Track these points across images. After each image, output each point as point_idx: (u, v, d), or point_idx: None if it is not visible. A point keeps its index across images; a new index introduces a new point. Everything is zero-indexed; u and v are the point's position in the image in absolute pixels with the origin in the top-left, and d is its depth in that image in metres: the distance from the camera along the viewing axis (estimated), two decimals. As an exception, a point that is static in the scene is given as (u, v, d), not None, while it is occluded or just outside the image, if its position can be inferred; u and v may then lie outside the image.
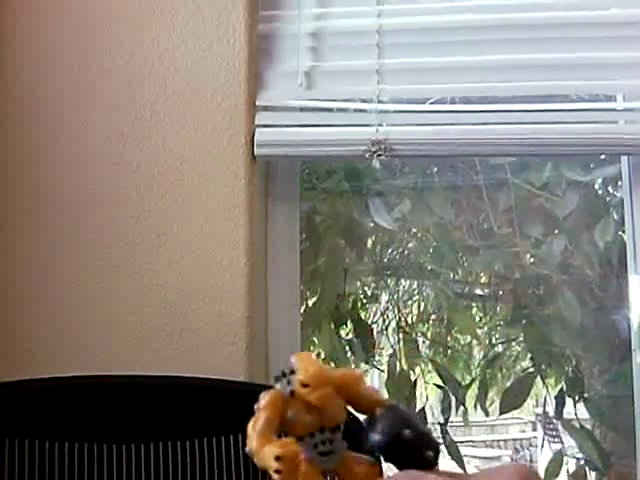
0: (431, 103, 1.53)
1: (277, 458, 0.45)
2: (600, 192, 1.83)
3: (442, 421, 1.73)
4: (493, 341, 1.90)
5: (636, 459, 1.51)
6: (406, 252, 1.91)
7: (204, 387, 1.13)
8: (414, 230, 1.87)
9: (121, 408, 1.07)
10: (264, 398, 0.47)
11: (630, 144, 1.42)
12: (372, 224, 1.82)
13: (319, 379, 0.47)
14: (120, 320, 1.42)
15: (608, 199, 1.83)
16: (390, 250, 1.88)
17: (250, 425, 0.47)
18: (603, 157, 1.72)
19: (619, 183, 1.66)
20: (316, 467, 0.46)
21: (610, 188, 1.81)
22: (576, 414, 1.80)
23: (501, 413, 1.78)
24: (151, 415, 1.08)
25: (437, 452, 0.48)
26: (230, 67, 1.45)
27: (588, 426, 1.78)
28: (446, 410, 1.75)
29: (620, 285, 1.67)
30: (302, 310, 1.67)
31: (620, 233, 1.70)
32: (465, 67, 1.47)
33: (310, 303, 1.81)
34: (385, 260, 1.89)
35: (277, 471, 0.45)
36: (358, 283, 1.89)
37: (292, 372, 0.48)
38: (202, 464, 1.06)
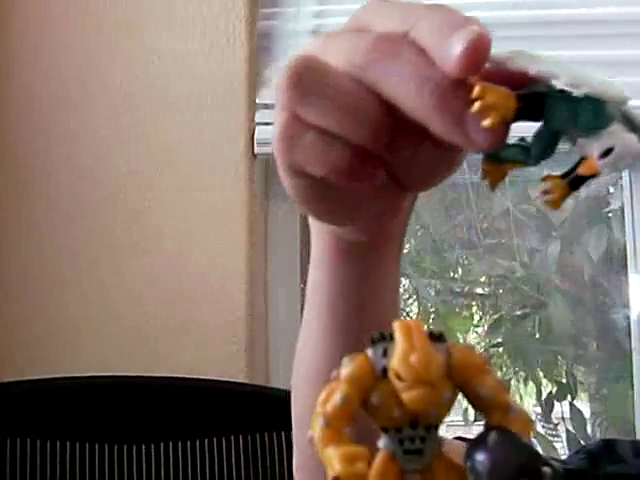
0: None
1: (336, 479, 0.34)
2: (600, 194, 1.83)
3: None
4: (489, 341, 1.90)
5: (636, 459, 1.51)
6: (405, 252, 1.90)
7: (204, 388, 1.12)
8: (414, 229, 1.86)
9: (121, 408, 1.07)
10: (348, 365, 0.36)
11: (630, 143, 1.42)
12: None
13: (419, 376, 0.35)
14: (120, 320, 1.42)
15: (608, 201, 1.83)
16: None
17: (321, 399, 0.36)
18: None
19: (619, 184, 1.66)
20: (396, 464, 0.36)
21: (610, 189, 1.81)
22: (570, 417, 1.80)
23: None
24: (151, 415, 1.07)
25: None
26: (230, 65, 1.45)
27: (588, 426, 1.78)
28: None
29: (620, 285, 1.67)
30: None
31: (620, 233, 1.70)
32: (465, 65, 1.47)
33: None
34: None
35: None
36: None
37: (392, 339, 0.36)
38: (202, 464, 1.05)
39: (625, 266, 1.56)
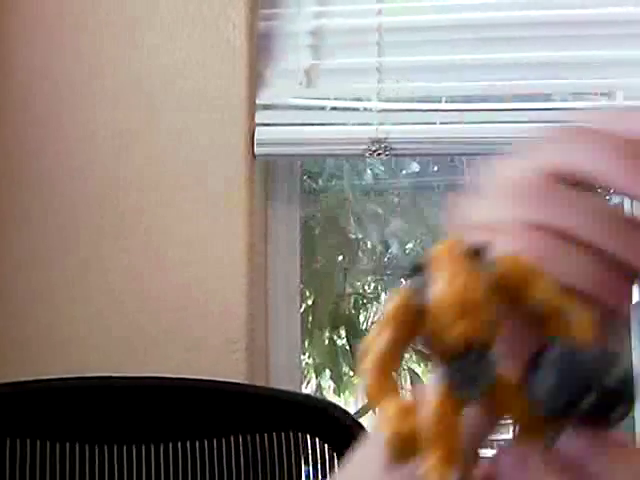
0: (431, 102, 1.53)
1: (393, 435, 0.32)
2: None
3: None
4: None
5: (636, 459, 1.51)
6: (405, 252, 1.90)
7: (204, 388, 1.12)
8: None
9: (120, 409, 1.07)
10: (390, 303, 0.33)
11: (630, 143, 1.42)
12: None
13: (459, 311, 0.31)
14: (119, 320, 1.42)
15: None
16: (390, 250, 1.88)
17: (364, 347, 0.33)
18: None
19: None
20: (454, 399, 0.32)
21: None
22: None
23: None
24: (151, 416, 1.07)
25: (627, 407, 0.33)
26: (230, 65, 1.45)
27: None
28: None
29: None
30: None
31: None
32: (465, 65, 1.47)
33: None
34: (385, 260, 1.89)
35: (391, 447, 0.32)
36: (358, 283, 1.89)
37: (430, 266, 0.33)
38: (202, 465, 1.05)
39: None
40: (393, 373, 0.33)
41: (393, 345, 0.33)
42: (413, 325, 0.33)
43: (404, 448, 0.32)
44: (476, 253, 0.33)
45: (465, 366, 0.33)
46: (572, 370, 0.32)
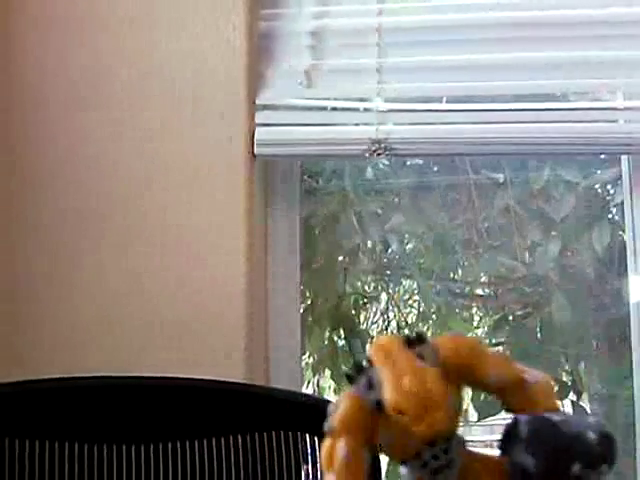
0: (431, 102, 1.53)
1: None
2: (599, 192, 1.83)
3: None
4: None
5: (635, 459, 1.51)
6: (405, 252, 1.90)
7: (204, 388, 1.12)
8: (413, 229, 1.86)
9: (121, 408, 1.06)
10: (339, 410, 0.32)
11: (630, 143, 1.42)
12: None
13: (422, 403, 0.30)
14: (120, 320, 1.42)
15: (608, 200, 1.83)
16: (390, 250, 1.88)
17: (324, 457, 0.32)
18: (603, 157, 1.72)
19: (618, 183, 1.66)
20: None
21: (609, 188, 1.80)
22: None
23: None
24: (151, 416, 1.07)
25: (609, 466, 0.34)
26: (230, 65, 1.45)
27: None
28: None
29: (620, 285, 1.66)
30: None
31: (620, 233, 1.70)
32: (465, 66, 1.47)
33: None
34: (385, 260, 1.89)
35: None
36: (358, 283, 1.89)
37: (370, 363, 0.33)
38: (202, 465, 1.05)
39: (625, 266, 1.55)
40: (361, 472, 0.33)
41: (354, 457, 0.33)
42: (369, 427, 0.33)
43: None
44: (414, 341, 0.32)
45: (435, 456, 0.32)
46: (551, 444, 0.31)
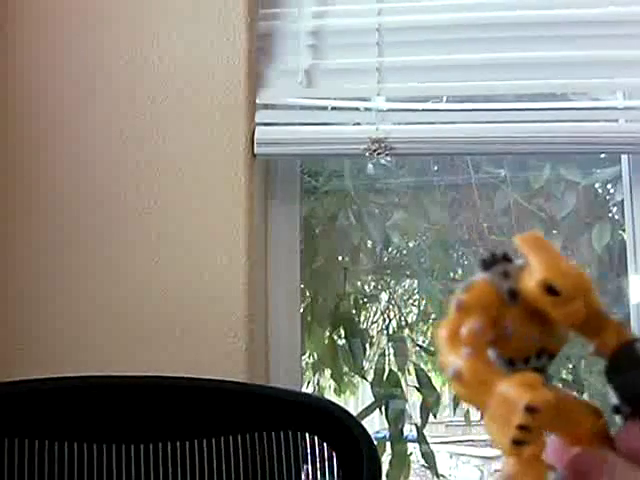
0: (431, 101, 1.53)
1: (530, 409, 0.29)
2: (600, 192, 1.83)
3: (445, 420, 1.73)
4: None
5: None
6: (405, 252, 1.90)
7: (204, 387, 1.12)
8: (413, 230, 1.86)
9: (121, 408, 1.06)
10: (470, 292, 0.31)
11: (630, 142, 1.42)
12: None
13: (576, 285, 0.29)
14: (120, 320, 1.42)
15: (608, 200, 1.83)
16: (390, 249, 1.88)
17: (446, 332, 0.30)
18: (603, 156, 1.72)
19: (618, 182, 1.66)
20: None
21: (609, 188, 1.80)
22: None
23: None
24: (151, 415, 1.07)
25: None
26: (230, 65, 1.45)
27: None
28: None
29: (620, 284, 1.66)
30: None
31: (620, 232, 1.70)
32: (465, 65, 1.47)
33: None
34: (385, 259, 1.89)
35: (523, 427, 0.29)
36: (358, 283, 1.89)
37: (507, 259, 0.32)
38: (201, 464, 1.05)
39: (625, 265, 1.55)
40: (488, 354, 0.31)
41: (484, 334, 0.31)
42: (497, 313, 0.31)
43: (542, 423, 0.30)
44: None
45: (537, 369, 0.31)
46: None
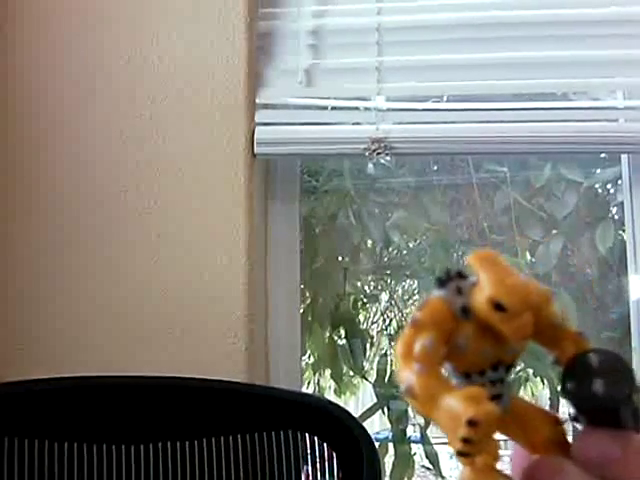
0: (431, 101, 1.53)
1: (471, 422, 0.30)
2: (600, 192, 1.83)
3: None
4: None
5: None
6: (405, 252, 1.90)
7: (204, 387, 1.12)
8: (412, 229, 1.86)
9: (121, 408, 1.06)
10: (424, 310, 0.32)
11: (630, 142, 1.42)
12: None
13: (522, 301, 0.31)
14: (120, 320, 1.42)
15: (608, 199, 1.82)
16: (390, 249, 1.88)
17: (401, 348, 0.32)
18: (603, 156, 1.72)
19: (619, 182, 1.66)
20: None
21: (610, 188, 1.80)
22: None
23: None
24: (151, 415, 1.07)
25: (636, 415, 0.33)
26: (230, 65, 1.45)
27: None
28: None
29: (621, 284, 1.66)
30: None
31: (620, 232, 1.69)
32: (465, 65, 1.47)
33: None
34: (385, 259, 1.89)
35: (466, 440, 0.30)
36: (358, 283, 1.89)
37: (460, 276, 0.32)
38: (201, 465, 1.05)
39: (626, 265, 1.55)
40: (441, 369, 0.33)
41: (436, 350, 0.32)
42: (451, 328, 0.32)
43: (481, 435, 0.31)
44: None
45: (494, 381, 0.33)
46: (619, 370, 0.32)
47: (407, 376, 0.32)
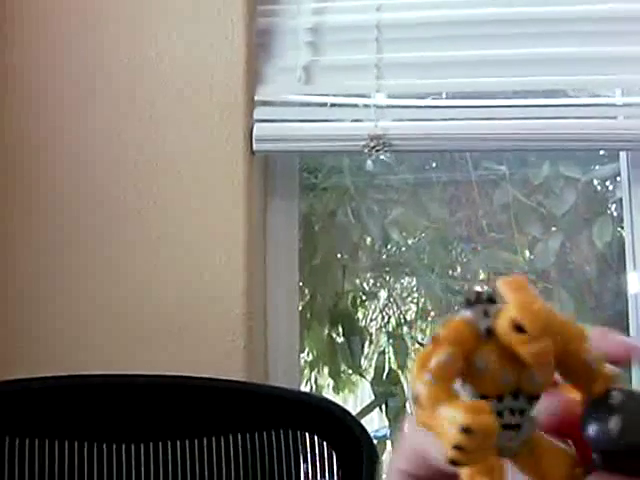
0: (430, 98, 1.53)
1: (465, 430, 0.30)
2: (598, 189, 1.83)
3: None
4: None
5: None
6: (404, 249, 1.90)
7: (203, 386, 1.12)
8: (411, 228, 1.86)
9: (120, 407, 1.06)
10: (446, 327, 0.32)
11: (629, 139, 1.42)
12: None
13: (545, 326, 0.31)
14: (119, 319, 1.42)
15: (606, 196, 1.83)
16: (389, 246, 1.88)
17: (419, 362, 0.32)
18: (602, 153, 1.72)
19: (617, 179, 1.66)
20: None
21: (608, 185, 1.80)
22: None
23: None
24: (150, 414, 1.07)
25: None
26: (228, 62, 1.45)
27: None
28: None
29: (619, 281, 1.67)
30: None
31: (619, 229, 1.70)
32: (464, 62, 1.47)
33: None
34: (384, 257, 1.89)
35: (458, 447, 0.30)
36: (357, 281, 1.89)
37: (490, 299, 0.32)
38: (201, 464, 1.05)
39: (624, 262, 1.56)
40: (453, 386, 0.32)
41: (451, 365, 0.32)
42: (472, 349, 0.32)
43: (475, 446, 0.30)
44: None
45: (513, 410, 0.32)
46: (637, 414, 0.32)
47: (417, 386, 0.32)
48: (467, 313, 0.33)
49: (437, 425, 0.31)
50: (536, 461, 0.33)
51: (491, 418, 0.30)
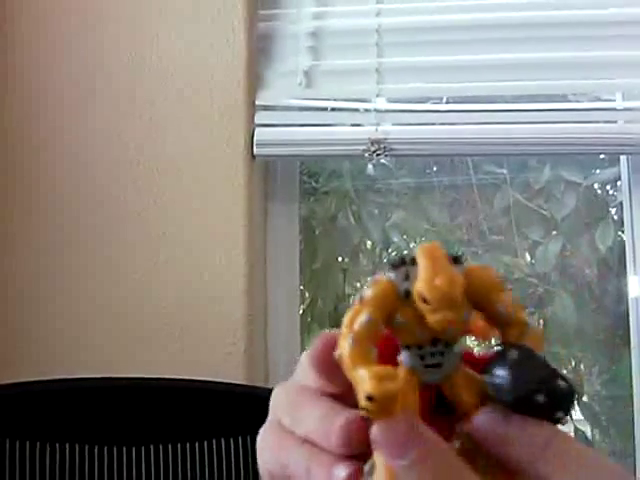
0: (430, 102, 1.53)
1: (368, 398, 0.34)
2: (599, 192, 1.83)
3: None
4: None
5: (636, 459, 1.51)
6: (405, 252, 1.90)
7: (203, 389, 1.12)
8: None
9: (121, 410, 1.06)
10: (372, 288, 0.36)
11: (629, 144, 1.42)
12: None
13: (444, 299, 0.35)
14: (120, 320, 1.42)
15: (607, 200, 1.82)
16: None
17: (347, 319, 0.36)
18: (602, 157, 1.72)
19: (618, 183, 1.66)
20: (416, 377, 0.36)
21: (609, 188, 1.80)
22: (571, 417, 1.79)
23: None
24: (150, 417, 1.07)
25: (568, 411, 0.37)
26: (229, 66, 1.45)
27: (587, 426, 1.78)
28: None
29: (620, 284, 1.66)
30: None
31: (620, 233, 1.70)
32: (464, 66, 1.47)
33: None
34: (385, 260, 1.88)
35: (365, 409, 0.35)
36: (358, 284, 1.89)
37: (414, 262, 0.36)
38: (202, 466, 1.05)
39: (625, 265, 1.56)
40: (372, 347, 0.36)
41: (372, 325, 0.36)
42: (393, 309, 0.37)
43: (378, 409, 0.35)
44: (455, 259, 0.37)
45: (433, 353, 0.37)
46: (528, 370, 0.36)
47: (342, 344, 0.36)
48: (390, 275, 0.37)
49: (354, 382, 0.36)
50: (454, 390, 0.38)
51: (392, 385, 0.35)
